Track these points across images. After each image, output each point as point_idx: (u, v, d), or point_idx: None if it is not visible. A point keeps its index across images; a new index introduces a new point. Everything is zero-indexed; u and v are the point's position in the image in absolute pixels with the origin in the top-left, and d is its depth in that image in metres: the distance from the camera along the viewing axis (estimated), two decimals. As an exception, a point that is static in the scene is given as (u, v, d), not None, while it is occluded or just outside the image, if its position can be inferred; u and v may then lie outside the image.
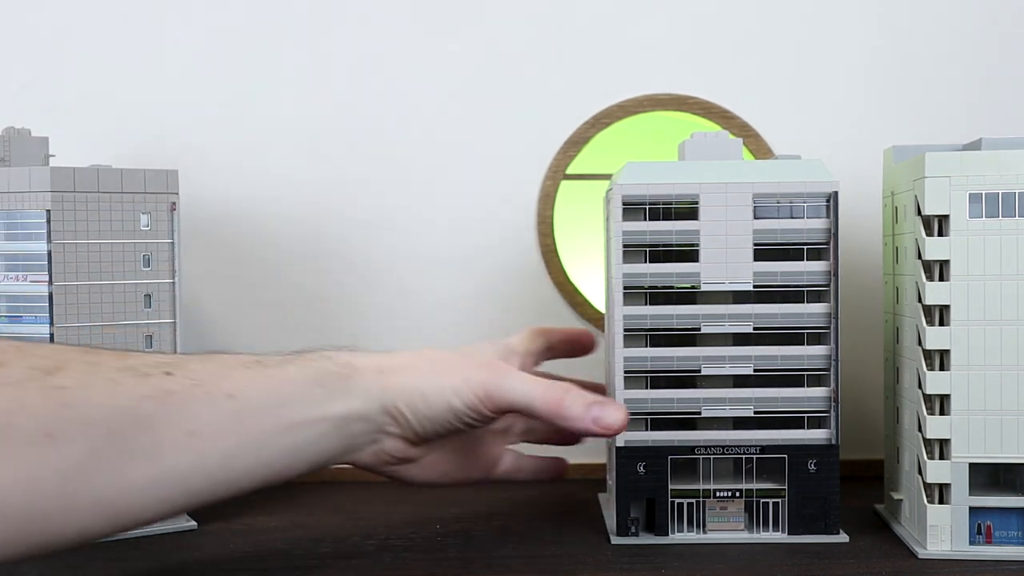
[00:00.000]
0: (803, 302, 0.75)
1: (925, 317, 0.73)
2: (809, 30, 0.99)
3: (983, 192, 0.71)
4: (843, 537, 0.75)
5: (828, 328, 0.75)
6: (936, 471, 0.72)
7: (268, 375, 0.62)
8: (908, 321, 0.76)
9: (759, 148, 0.98)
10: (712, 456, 0.75)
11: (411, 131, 0.99)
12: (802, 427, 0.75)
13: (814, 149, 0.99)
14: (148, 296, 0.81)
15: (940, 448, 0.73)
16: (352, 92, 0.98)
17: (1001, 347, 0.71)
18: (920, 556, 0.72)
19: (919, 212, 0.73)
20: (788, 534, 0.75)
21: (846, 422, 0.99)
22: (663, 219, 0.74)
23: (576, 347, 0.82)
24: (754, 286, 0.74)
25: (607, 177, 1.00)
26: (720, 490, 0.75)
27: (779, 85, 0.99)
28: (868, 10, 0.99)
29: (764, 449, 0.75)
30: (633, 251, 0.74)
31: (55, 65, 0.98)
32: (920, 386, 0.73)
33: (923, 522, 0.73)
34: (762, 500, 0.75)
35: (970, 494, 0.72)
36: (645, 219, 0.74)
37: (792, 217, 0.74)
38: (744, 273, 0.74)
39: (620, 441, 0.74)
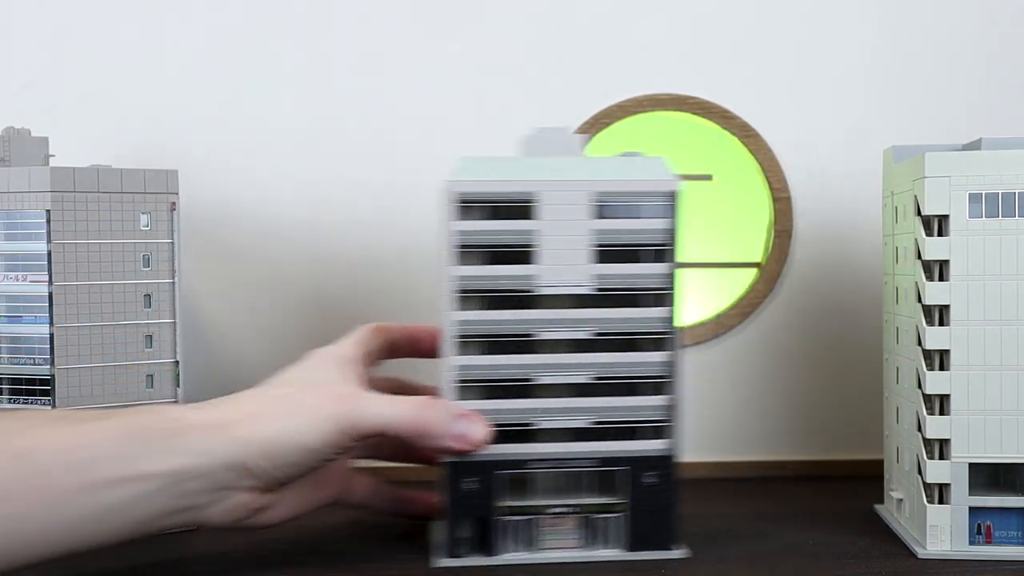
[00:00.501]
0: (644, 306, 0.70)
1: (925, 317, 0.73)
2: (809, 30, 0.99)
3: (983, 192, 0.71)
4: (682, 552, 0.71)
5: (669, 333, 0.70)
6: (936, 471, 0.72)
7: (76, 431, 0.60)
8: (908, 321, 0.76)
9: (759, 148, 0.98)
10: (546, 471, 0.70)
11: (411, 131, 0.99)
12: (641, 438, 0.70)
13: (814, 149, 0.99)
14: (148, 296, 0.81)
15: (940, 448, 0.73)
16: (352, 92, 0.98)
17: (1001, 347, 0.71)
18: (920, 556, 0.72)
19: (919, 212, 0.73)
20: (627, 550, 0.70)
21: (846, 422, 0.99)
22: (498, 218, 0.70)
23: (420, 347, 0.77)
24: (593, 289, 0.70)
25: (607, 177, 1.00)
26: (552, 506, 0.70)
27: (779, 85, 0.99)
28: (868, 10, 0.99)
29: (602, 462, 0.70)
30: (467, 252, 0.70)
31: (55, 65, 0.98)
32: (920, 386, 0.73)
33: (923, 522, 0.73)
34: (598, 515, 0.70)
35: (970, 494, 0.72)
36: (480, 218, 0.70)
37: (633, 217, 0.70)
38: (583, 275, 0.70)
39: (447, 456, 0.69)
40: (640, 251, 0.70)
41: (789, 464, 0.99)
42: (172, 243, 0.81)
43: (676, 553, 0.71)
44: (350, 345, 0.72)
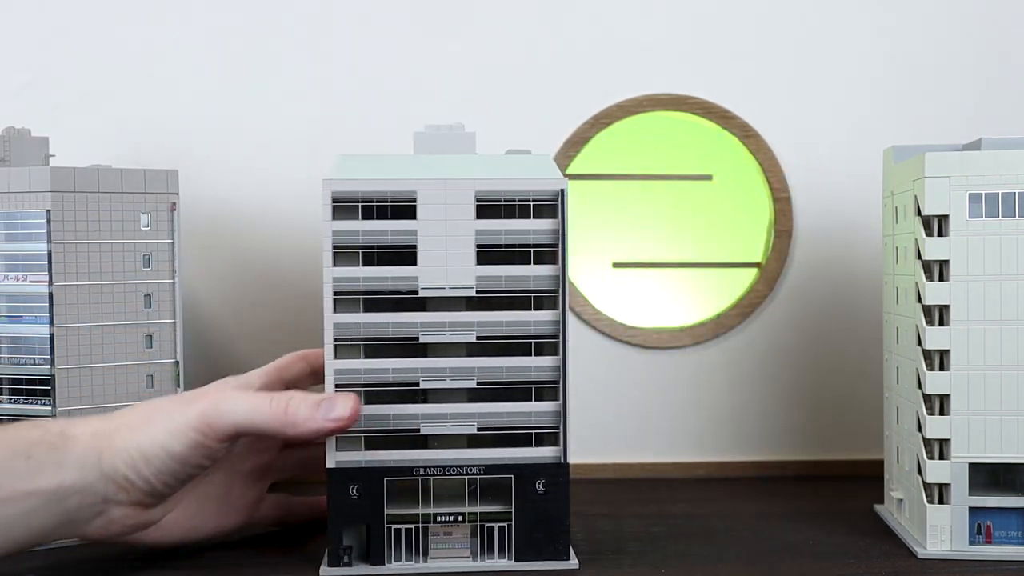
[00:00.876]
0: (530, 309, 0.68)
1: (925, 317, 0.73)
2: (809, 30, 0.99)
3: (983, 192, 0.71)
4: (573, 563, 0.68)
5: (556, 337, 0.68)
6: (936, 471, 0.72)
7: None
8: (908, 321, 0.76)
9: (759, 148, 0.98)
10: (432, 477, 0.68)
11: (411, 131, 0.98)
12: (530, 444, 0.68)
13: (814, 149, 0.99)
14: (148, 296, 0.81)
15: (940, 448, 0.73)
16: (352, 92, 0.98)
17: (1001, 347, 0.71)
18: (920, 556, 0.72)
19: (919, 212, 0.73)
20: (515, 560, 0.68)
21: (846, 422, 0.99)
22: (378, 218, 0.67)
23: None
24: (477, 291, 0.68)
25: (607, 177, 1.00)
26: (441, 514, 0.67)
27: (779, 85, 0.99)
28: (868, 10, 0.99)
29: (489, 469, 0.68)
30: (345, 253, 0.68)
31: (55, 65, 0.98)
32: (920, 386, 0.73)
33: (923, 522, 0.73)
34: (487, 524, 0.68)
35: (970, 494, 0.72)
36: (358, 218, 0.68)
37: (518, 217, 0.68)
38: (466, 277, 0.68)
39: (331, 462, 0.67)
40: (526, 253, 0.68)
41: (789, 464, 0.99)
42: (172, 243, 0.81)
43: (567, 564, 0.68)
44: (256, 374, 0.71)
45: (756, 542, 0.76)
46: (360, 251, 0.68)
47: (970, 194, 0.72)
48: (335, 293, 0.68)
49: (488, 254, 0.68)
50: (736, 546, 0.76)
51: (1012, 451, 0.71)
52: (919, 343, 0.73)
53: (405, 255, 0.68)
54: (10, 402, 0.78)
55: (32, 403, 0.77)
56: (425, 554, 0.68)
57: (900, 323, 0.78)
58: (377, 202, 0.68)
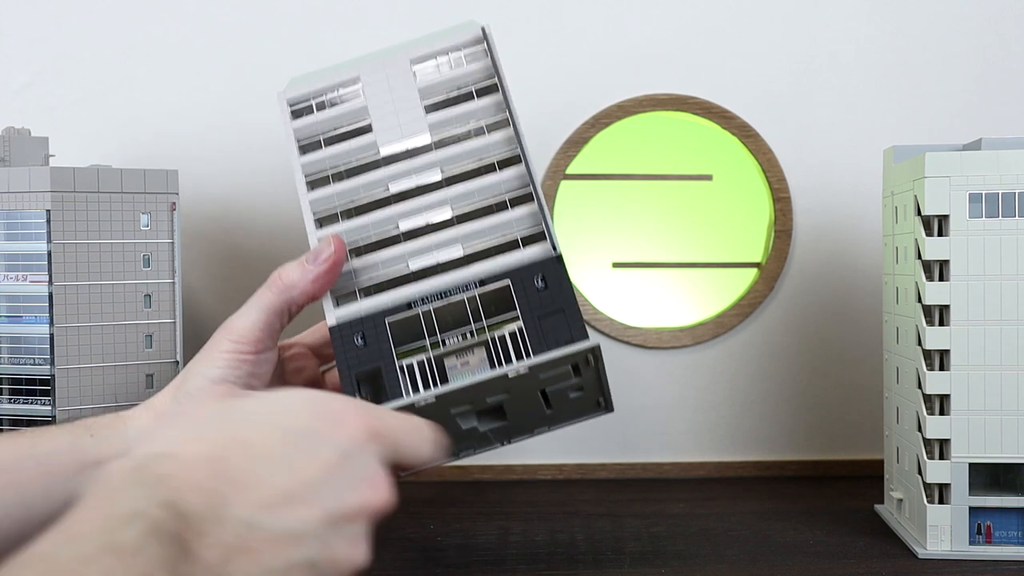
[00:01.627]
0: (484, 135, 0.71)
1: (925, 317, 0.73)
2: (809, 30, 0.99)
3: (983, 192, 0.71)
4: (593, 342, 0.66)
5: (516, 150, 0.70)
6: (936, 471, 0.72)
7: (28, 435, 0.63)
8: (908, 321, 0.76)
9: (759, 148, 0.98)
10: (432, 305, 0.68)
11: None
12: (518, 248, 0.68)
13: (814, 149, 0.99)
14: (148, 296, 0.81)
15: (940, 448, 0.73)
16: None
17: (1001, 347, 0.71)
18: (920, 556, 0.72)
19: (919, 212, 0.73)
20: (535, 355, 0.66)
21: (846, 422, 0.99)
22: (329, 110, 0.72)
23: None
24: (432, 137, 0.71)
25: (607, 177, 1.00)
26: (449, 336, 0.67)
27: (779, 85, 0.99)
28: (868, 10, 0.99)
29: (484, 282, 0.68)
30: (309, 144, 0.72)
31: (55, 65, 0.98)
32: (920, 386, 0.73)
33: (923, 522, 0.73)
34: (498, 334, 0.67)
35: (970, 494, 0.72)
36: (314, 113, 0.72)
37: (452, 68, 0.72)
38: (419, 127, 0.71)
39: (332, 320, 0.68)
40: (467, 93, 0.72)
41: (789, 464, 0.99)
42: (172, 243, 0.82)
43: (586, 344, 0.66)
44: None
45: (756, 542, 0.76)
46: (322, 138, 0.72)
47: (970, 194, 0.72)
48: (306, 176, 0.71)
49: (435, 105, 0.72)
50: (736, 546, 0.76)
51: (1012, 451, 0.71)
52: (919, 343, 0.73)
53: (363, 130, 0.72)
54: (10, 402, 0.78)
55: (32, 403, 0.77)
56: (444, 382, 0.67)
57: (900, 323, 0.78)
58: (328, 95, 0.72)
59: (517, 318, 0.67)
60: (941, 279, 0.72)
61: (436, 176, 0.70)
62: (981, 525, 0.72)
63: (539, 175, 0.70)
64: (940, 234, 0.72)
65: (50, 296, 0.77)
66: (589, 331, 0.98)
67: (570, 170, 0.99)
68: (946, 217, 0.72)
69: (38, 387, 0.77)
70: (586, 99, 0.98)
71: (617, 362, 0.99)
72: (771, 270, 0.99)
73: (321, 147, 0.71)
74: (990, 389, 0.71)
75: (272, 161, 0.98)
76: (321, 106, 0.72)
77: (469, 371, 0.67)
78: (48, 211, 0.77)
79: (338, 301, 0.69)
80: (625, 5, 0.99)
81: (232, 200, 0.99)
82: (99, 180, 0.79)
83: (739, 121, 0.98)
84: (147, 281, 0.81)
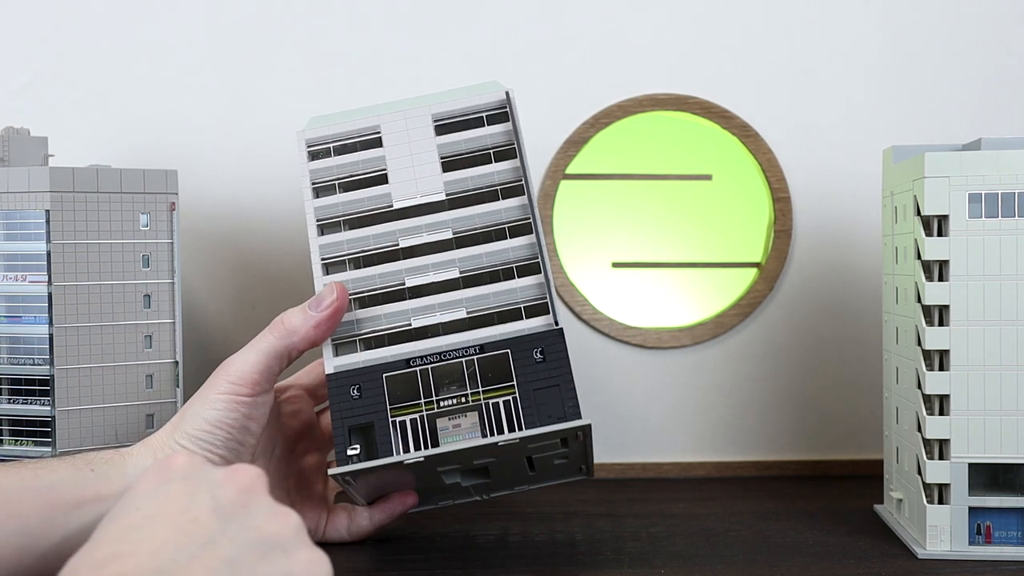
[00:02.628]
0: (499, 200, 0.72)
1: (924, 317, 0.73)
2: (809, 30, 0.99)
3: (983, 192, 0.71)
4: (585, 421, 0.67)
5: (528, 218, 0.71)
6: (936, 471, 0.72)
7: (29, 466, 0.63)
8: (908, 321, 0.76)
9: (759, 148, 0.98)
10: (431, 366, 0.69)
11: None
12: (520, 319, 0.70)
13: (814, 149, 0.99)
14: (148, 296, 0.81)
15: (940, 448, 0.73)
16: (351, 92, 0.98)
17: (1001, 347, 0.71)
18: (919, 556, 0.72)
19: (919, 212, 0.73)
20: (526, 429, 0.67)
21: (846, 422, 0.99)
22: (348, 153, 0.74)
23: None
24: (447, 195, 0.72)
25: (607, 177, 1.00)
26: (444, 399, 0.68)
27: (779, 85, 0.99)
28: (868, 10, 0.99)
29: (484, 348, 0.69)
30: (324, 186, 0.73)
31: (55, 65, 0.98)
32: (920, 386, 0.73)
33: (922, 522, 0.73)
34: (492, 401, 0.68)
35: (970, 494, 0.72)
36: (331, 156, 0.74)
37: (472, 128, 0.74)
38: (435, 185, 0.73)
39: (330, 368, 0.70)
40: (485, 155, 0.73)
41: (789, 464, 0.99)
42: (172, 243, 0.82)
43: (578, 423, 0.67)
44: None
45: (756, 542, 0.76)
46: (337, 183, 0.73)
47: (970, 194, 0.71)
48: (318, 220, 0.73)
49: (452, 163, 0.73)
50: (736, 546, 0.76)
51: (1012, 451, 0.71)
52: (919, 343, 0.73)
53: (378, 180, 0.73)
54: (9, 402, 0.78)
55: (32, 403, 0.77)
56: (435, 444, 0.68)
57: (900, 323, 0.78)
58: (347, 140, 0.74)
59: (513, 388, 0.68)
60: (941, 279, 0.72)
61: (447, 235, 0.72)
62: (981, 525, 0.72)
63: (547, 246, 0.72)
64: (940, 234, 0.72)
65: (49, 296, 0.77)
66: (589, 333, 0.98)
67: (570, 170, 0.99)
68: (946, 217, 0.72)
69: (37, 387, 0.77)
70: (586, 99, 0.98)
71: (617, 362, 0.99)
72: (771, 270, 0.99)
73: (335, 191, 0.73)
74: (990, 389, 0.71)
75: (272, 161, 0.98)
76: (340, 150, 0.74)
77: (460, 434, 0.68)
78: (47, 211, 0.77)
79: (337, 349, 0.70)
80: (625, 5, 0.99)
81: (232, 200, 0.99)
82: (98, 180, 0.79)
83: (739, 121, 0.98)
84: (147, 281, 0.81)
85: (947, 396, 0.72)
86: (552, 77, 0.98)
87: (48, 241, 0.77)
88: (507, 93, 0.74)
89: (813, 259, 0.99)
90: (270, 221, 0.98)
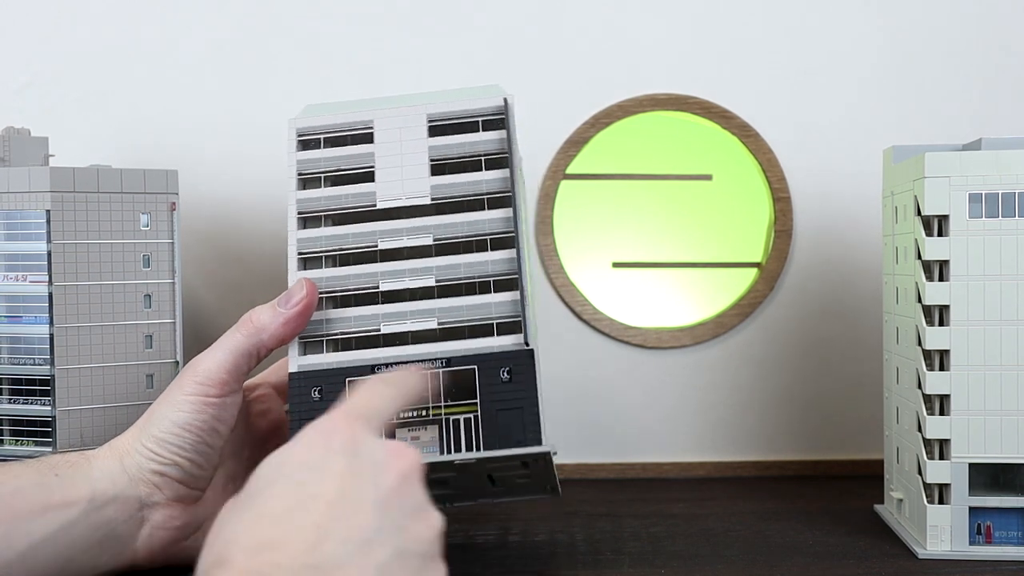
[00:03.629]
0: (484, 210, 0.70)
1: (925, 317, 0.73)
2: (809, 30, 0.99)
3: (983, 192, 0.71)
4: (544, 448, 0.65)
5: (511, 232, 0.69)
6: (936, 471, 0.72)
7: None
8: (908, 321, 0.76)
9: (759, 148, 0.98)
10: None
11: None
12: (491, 335, 0.68)
13: (814, 149, 0.99)
14: (148, 296, 0.81)
15: (940, 448, 0.73)
16: (351, 92, 0.98)
17: (1001, 347, 0.71)
18: (920, 556, 0.72)
19: (919, 212, 0.73)
20: (484, 450, 0.65)
21: (846, 422, 0.99)
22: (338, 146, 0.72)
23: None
24: (432, 199, 0.70)
25: (607, 177, 1.00)
26: (405, 410, 0.66)
27: (779, 85, 0.99)
28: (868, 10, 0.99)
29: (450, 361, 0.67)
30: (309, 178, 0.72)
31: (55, 65, 0.98)
32: (920, 386, 0.73)
33: (923, 522, 0.73)
34: (452, 418, 0.66)
35: (970, 494, 0.72)
36: (321, 148, 0.72)
37: (467, 132, 0.71)
38: (421, 187, 0.71)
39: (294, 366, 0.68)
40: (476, 161, 0.71)
41: (789, 464, 0.99)
42: (172, 243, 0.82)
43: (537, 449, 0.65)
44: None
45: (756, 542, 0.76)
46: (323, 176, 0.72)
47: (970, 194, 0.71)
48: (299, 213, 0.71)
49: (442, 167, 0.71)
50: (736, 546, 0.76)
51: (1012, 451, 0.71)
52: (919, 343, 0.73)
53: (365, 176, 0.72)
54: (10, 402, 0.78)
55: (32, 403, 0.77)
56: None
57: (900, 323, 0.78)
58: (338, 132, 0.72)
59: (476, 406, 0.66)
60: (941, 279, 0.72)
61: (427, 241, 0.70)
62: (981, 525, 0.72)
63: (527, 263, 0.70)
64: (940, 234, 0.72)
65: (50, 296, 0.77)
66: (589, 333, 0.98)
67: (570, 170, 0.99)
68: (946, 217, 0.72)
69: (38, 387, 0.77)
70: (586, 99, 0.98)
71: (617, 362, 0.99)
72: (771, 270, 0.99)
73: (321, 184, 0.72)
74: (990, 389, 0.71)
75: (272, 161, 0.98)
76: (330, 142, 0.72)
77: (419, 446, 0.66)
78: (48, 211, 0.77)
79: (304, 348, 0.69)
80: (625, 5, 0.99)
81: (232, 200, 0.99)
82: (99, 180, 0.79)
83: (739, 121, 0.98)
84: (147, 281, 0.81)
85: (947, 396, 0.72)
86: (552, 77, 0.98)
87: (48, 241, 0.77)
88: (505, 100, 0.72)
89: (813, 259, 0.99)
90: (270, 221, 0.98)
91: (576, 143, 0.98)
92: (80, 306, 0.78)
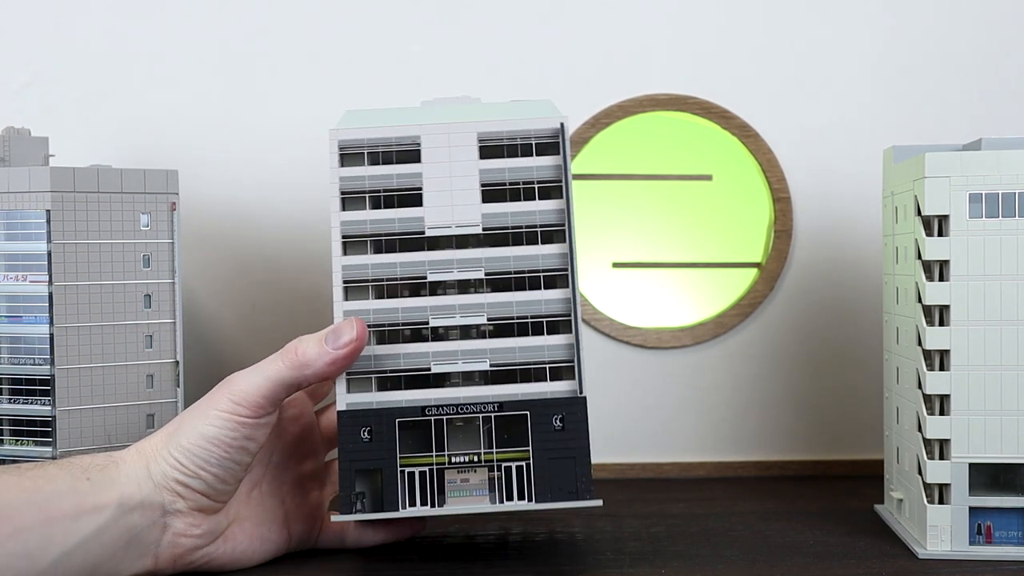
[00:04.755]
0: (537, 243, 0.68)
1: (925, 317, 0.73)
2: (809, 30, 0.99)
3: (983, 192, 0.71)
4: (596, 501, 0.65)
5: (566, 270, 0.67)
6: (936, 471, 0.72)
7: (27, 475, 0.62)
8: (908, 321, 0.76)
9: (759, 148, 0.98)
10: (446, 416, 0.66)
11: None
12: (544, 379, 0.67)
13: (814, 149, 0.99)
14: (148, 296, 0.81)
15: (940, 448, 0.73)
16: (351, 92, 0.98)
17: (1001, 347, 0.71)
18: (920, 556, 0.72)
19: (919, 212, 0.73)
20: (536, 502, 0.65)
21: (846, 422, 0.99)
22: (384, 163, 0.69)
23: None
24: (483, 228, 0.68)
25: (607, 177, 1.00)
26: (456, 455, 0.66)
27: (779, 85, 0.99)
28: (868, 11, 0.99)
29: (503, 406, 0.66)
30: (352, 198, 0.69)
31: (55, 65, 0.98)
32: (920, 386, 0.73)
33: (923, 522, 0.73)
34: (504, 464, 0.65)
35: (970, 494, 0.72)
36: (364, 164, 0.69)
37: (520, 155, 0.69)
38: (472, 215, 0.68)
39: (342, 405, 0.67)
40: (529, 189, 0.69)
41: (789, 464, 0.99)
42: (172, 243, 0.81)
43: (589, 503, 0.65)
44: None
45: (756, 542, 0.76)
46: (367, 195, 0.69)
47: (970, 194, 0.71)
48: (343, 236, 0.69)
49: (493, 193, 0.69)
50: (736, 546, 0.76)
51: (1012, 451, 0.71)
52: (919, 343, 0.73)
53: (412, 198, 0.69)
54: (10, 402, 0.78)
55: (32, 403, 0.77)
56: (441, 501, 0.66)
57: (900, 323, 0.78)
58: (383, 148, 0.69)
59: (527, 453, 0.65)
60: (941, 279, 0.72)
61: (479, 274, 0.68)
62: (981, 525, 0.72)
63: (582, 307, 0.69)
64: (940, 234, 0.72)
65: (50, 296, 0.77)
66: (590, 333, 0.98)
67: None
68: (946, 217, 0.72)
69: (38, 387, 0.77)
70: (586, 99, 0.98)
71: (617, 362, 0.99)
72: (771, 270, 0.99)
73: (365, 205, 0.69)
74: (990, 389, 0.71)
75: (272, 161, 0.98)
76: (374, 158, 0.69)
77: (468, 489, 0.66)
78: (48, 211, 0.77)
79: (350, 385, 0.67)
80: (625, 5, 0.99)
81: (232, 200, 0.99)
82: (99, 180, 0.79)
83: (739, 121, 0.98)
84: (147, 281, 0.81)
85: (947, 396, 0.72)
86: (552, 77, 0.98)
87: (49, 241, 0.77)
88: (561, 124, 0.69)
89: (813, 259, 0.99)
90: (271, 221, 0.98)
91: (576, 143, 0.98)
92: (80, 306, 0.78)
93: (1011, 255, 0.71)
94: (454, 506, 0.66)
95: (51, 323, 0.77)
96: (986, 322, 0.71)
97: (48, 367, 0.77)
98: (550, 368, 0.67)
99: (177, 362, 0.82)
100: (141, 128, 0.98)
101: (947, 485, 0.72)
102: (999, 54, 0.99)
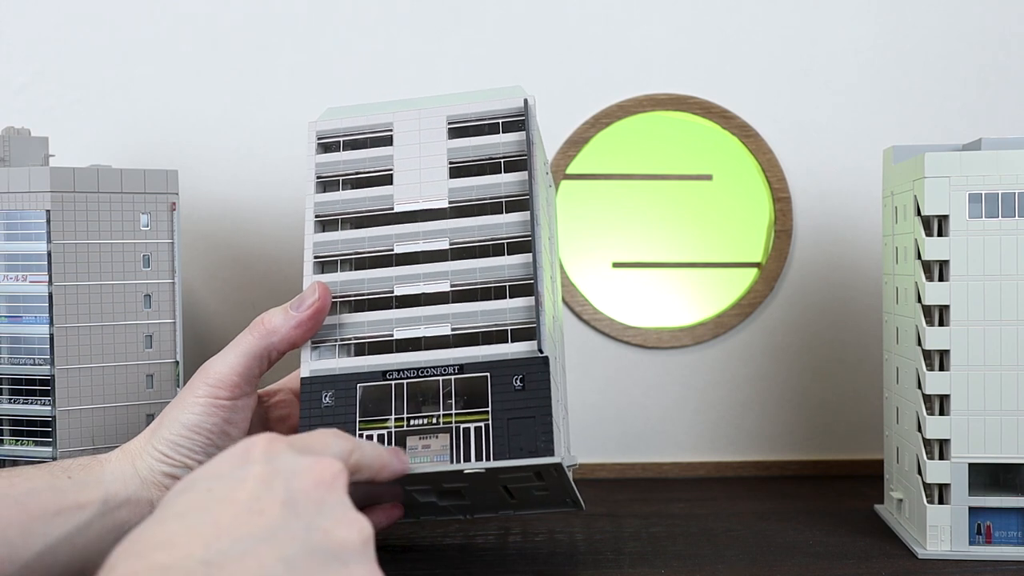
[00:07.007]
0: (501, 213, 0.69)
1: (925, 317, 0.73)
2: (809, 30, 0.99)
3: (983, 192, 0.71)
4: (555, 458, 0.63)
5: (528, 236, 0.68)
6: (936, 471, 0.72)
7: (8, 473, 0.62)
8: (908, 321, 0.76)
9: (759, 148, 0.98)
10: (406, 380, 0.66)
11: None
12: (505, 341, 0.66)
13: (814, 149, 0.99)
14: (148, 296, 0.81)
15: (940, 448, 0.73)
16: (351, 92, 0.98)
17: (1001, 347, 0.71)
18: (920, 556, 0.72)
19: (919, 212, 0.73)
20: (494, 460, 0.64)
21: (846, 422, 0.99)
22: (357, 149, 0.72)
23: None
24: (450, 202, 0.69)
25: (607, 177, 1.00)
26: (415, 417, 0.65)
27: (779, 85, 0.99)
28: (868, 10, 0.99)
29: (463, 368, 0.66)
30: (330, 182, 0.71)
31: (55, 65, 0.98)
32: (920, 386, 0.73)
33: (923, 522, 0.73)
34: (463, 426, 0.65)
35: (970, 494, 0.72)
36: (340, 151, 0.72)
37: (486, 134, 0.70)
38: (439, 191, 0.70)
39: (306, 371, 0.67)
40: (496, 164, 0.70)
41: (789, 464, 0.99)
42: (172, 243, 0.82)
43: (547, 460, 0.63)
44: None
45: (756, 542, 0.77)
46: (340, 179, 0.71)
47: (970, 194, 0.72)
48: (316, 216, 0.70)
49: (460, 170, 0.70)
50: (736, 546, 0.76)
51: (1012, 451, 0.71)
52: (919, 343, 0.73)
53: (384, 179, 0.71)
54: (10, 402, 0.78)
55: (32, 403, 0.77)
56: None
57: (900, 323, 0.78)
58: (357, 135, 0.72)
59: (487, 414, 0.65)
60: (941, 279, 0.72)
61: (443, 245, 0.69)
62: (981, 525, 0.72)
63: (545, 270, 0.68)
64: (940, 234, 0.72)
65: (50, 296, 0.77)
66: (589, 333, 0.98)
67: (570, 170, 0.99)
68: (946, 217, 0.72)
69: (38, 387, 0.77)
70: (586, 99, 0.98)
71: (617, 362, 0.99)
72: (771, 270, 0.99)
73: (339, 188, 0.71)
74: (990, 389, 0.71)
75: (272, 161, 0.98)
76: (349, 145, 0.72)
77: (429, 455, 0.65)
78: (48, 211, 0.77)
79: (317, 353, 0.68)
80: (625, 5, 0.99)
81: (232, 200, 0.99)
82: (99, 180, 0.79)
83: (739, 121, 0.98)
84: (147, 281, 0.81)
85: (947, 396, 0.72)
86: (552, 77, 0.98)
87: (48, 241, 0.77)
88: (526, 101, 0.70)
89: (813, 259, 0.99)
90: (270, 221, 0.98)
91: (576, 143, 0.98)
92: (80, 306, 0.78)
93: (1011, 255, 0.71)
94: (413, 467, 0.65)
95: (51, 323, 0.77)
96: (986, 322, 0.72)
97: (48, 367, 0.77)
98: (512, 330, 0.67)
99: (177, 362, 0.82)
100: (141, 128, 0.98)
101: (947, 485, 0.72)
102: (999, 54, 0.99)
